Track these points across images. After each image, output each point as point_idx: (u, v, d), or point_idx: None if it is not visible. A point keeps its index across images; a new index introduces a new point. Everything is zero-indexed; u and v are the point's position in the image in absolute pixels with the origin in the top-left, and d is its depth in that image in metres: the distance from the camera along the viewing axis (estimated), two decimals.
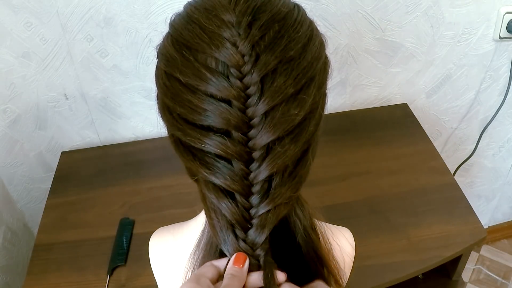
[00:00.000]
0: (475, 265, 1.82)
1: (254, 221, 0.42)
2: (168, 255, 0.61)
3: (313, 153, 0.46)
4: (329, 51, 0.48)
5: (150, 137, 1.22)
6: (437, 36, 1.20)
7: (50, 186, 1.10)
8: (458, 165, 1.49)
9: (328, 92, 0.48)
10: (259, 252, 0.43)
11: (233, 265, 0.42)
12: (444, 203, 1.00)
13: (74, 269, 0.92)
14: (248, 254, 0.43)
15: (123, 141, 1.22)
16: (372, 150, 1.14)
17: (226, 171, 0.42)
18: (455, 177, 1.18)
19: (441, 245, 0.92)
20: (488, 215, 1.79)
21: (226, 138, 0.41)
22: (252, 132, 0.41)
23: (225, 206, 0.42)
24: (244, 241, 0.43)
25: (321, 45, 0.47)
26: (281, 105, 0.41)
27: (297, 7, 0.47)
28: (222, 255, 0.45)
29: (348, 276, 0.62)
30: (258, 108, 0.41)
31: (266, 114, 0.41)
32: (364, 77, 1.24)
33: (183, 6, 0.48)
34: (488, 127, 1.41)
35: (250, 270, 0.43)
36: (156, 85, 0.48)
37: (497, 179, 1.65)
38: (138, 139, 1.23)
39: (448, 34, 1.20)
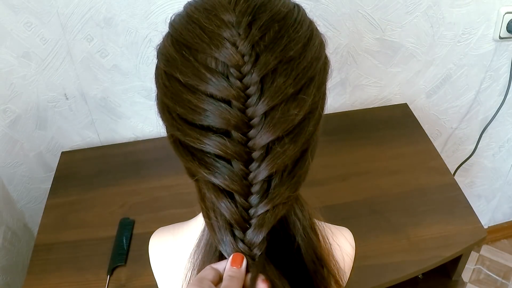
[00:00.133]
0: (475, 265, 1.82)
1: (253, 221, 0.42)
2: (168, 255, 0.61)
3: (313, 153, 0.46)
4: (329, 51, 0.48)
5: (150, 137, 1.22)
6: (437, 36, 1.20)
7: (50, 186, 1.10)
8: (458, 165, 1.49)
9: (328, 92, 0.48)
10: (256, 251, 0.43)
11: (231, 266, 0.42)
12: (444, 203, 1.00)
13: (74, 269, 0.92)
14: (245, 254, 0.43)
15: (123, 141, 1.22)
16: (372, 150, 1.14)
17: (225, 171, 0.42)
18: (455, 177, 1.18)
19: (441, 245, 0.92)
20: (488, 215, 1.79)
21: (226, 138, 0.41)
22: (252, 132, 0.41)
23: (225, 206, 0.42)
24: (242, 241, 0.43)
25: (321, 45, 0.47)
26: (280, 105, 0.41)
27: (297, 7, 0.47)
28: (222, 255, 0.45)
29: (348, 276, 0.62)
30: (258, 108, 0.41)
31: (265, 114, 0.41)
32: (364, 77, 1.24)
33: (183, 6, 0.48)
34: (488, 127, 1.41)
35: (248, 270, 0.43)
36: (156, 85, 0.48)
37: (497, 179, 1.65)
38: (138, 139, 1.23)
39: (448, 34, 1.20)
